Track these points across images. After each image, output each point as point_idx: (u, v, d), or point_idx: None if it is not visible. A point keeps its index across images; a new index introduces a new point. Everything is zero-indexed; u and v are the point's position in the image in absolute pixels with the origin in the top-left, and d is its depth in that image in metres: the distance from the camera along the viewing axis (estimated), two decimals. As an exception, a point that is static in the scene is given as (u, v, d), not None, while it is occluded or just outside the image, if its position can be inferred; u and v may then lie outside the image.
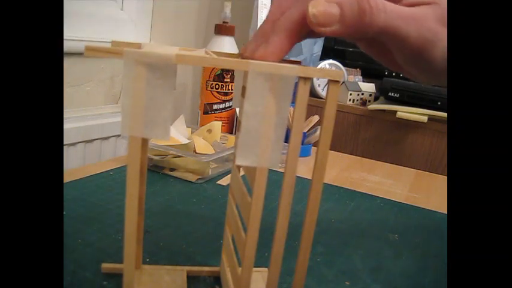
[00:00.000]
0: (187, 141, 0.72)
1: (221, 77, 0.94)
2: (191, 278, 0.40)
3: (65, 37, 0.76)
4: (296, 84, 0.28)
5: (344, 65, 1.21)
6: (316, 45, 1.25)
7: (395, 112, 1.05)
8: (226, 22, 0.96)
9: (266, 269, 0.38)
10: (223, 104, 0.96)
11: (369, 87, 1.20)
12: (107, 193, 0.57)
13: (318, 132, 0.87)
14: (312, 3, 0.29)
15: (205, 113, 0.96)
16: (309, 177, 0.69)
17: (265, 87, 0.27)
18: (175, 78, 0.27)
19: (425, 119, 1.03)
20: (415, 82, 1.17)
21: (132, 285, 0.30)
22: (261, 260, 0.45)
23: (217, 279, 0.40)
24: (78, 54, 0.82)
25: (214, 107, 0.95)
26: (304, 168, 0.79)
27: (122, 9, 0.95)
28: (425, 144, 1.07)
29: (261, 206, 0.29)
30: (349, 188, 0.72)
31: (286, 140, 0.29)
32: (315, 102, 1.14)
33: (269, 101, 0.27)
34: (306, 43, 1.18)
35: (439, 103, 1.04)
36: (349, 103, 1.16)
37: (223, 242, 0.42)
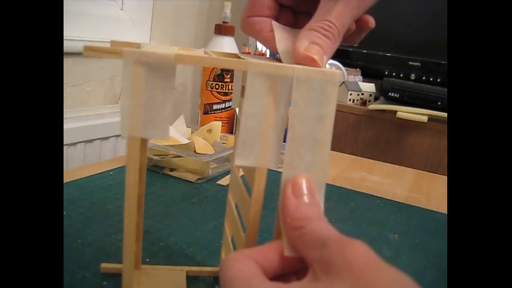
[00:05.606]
0: (187, 141, 0.72)
1: (221, 77, 0.94)
2: (191, 278, 0.40)
3: (65, 37, 0.76)
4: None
5: (344, 65, 1.21)
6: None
7: (395, 112, 1.05)
8: (226, 22, 0.96)
9: (266, 269, 0.38)
10: (223, 104, 0.96)
11: (369, 87, 1.20)
12: (107, 193, 0.57)
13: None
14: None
15: (205, 113, 0.96)
16: (309, 177, 0.67)
17: (264, 87, 0.27)
18: (175, 78, 0.27)
19: (425, 119, 1.03)
20: (415, 82, 1.17)
21: (132, 285, 0.30)
22: (261, 260, 0.45)
23: (217, 279, 0.40)
24: (78, 54, 0.82)
25: (214, 107, 0.95)
26: (304, 168, 0.78)
27: (121, 9, 0.95)
28: (425, 144, 1.07)
29: (260, 206, 0.29)
30: (349, 188, 0.72)
31: (286, 140, 0.29)
32: (315, 102, 1.14)
33: (268, 101, 0.27)
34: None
35: (439, 103, 1.04)
36: (349, 103, 1.16)
37: (223, 241, 0.42)
